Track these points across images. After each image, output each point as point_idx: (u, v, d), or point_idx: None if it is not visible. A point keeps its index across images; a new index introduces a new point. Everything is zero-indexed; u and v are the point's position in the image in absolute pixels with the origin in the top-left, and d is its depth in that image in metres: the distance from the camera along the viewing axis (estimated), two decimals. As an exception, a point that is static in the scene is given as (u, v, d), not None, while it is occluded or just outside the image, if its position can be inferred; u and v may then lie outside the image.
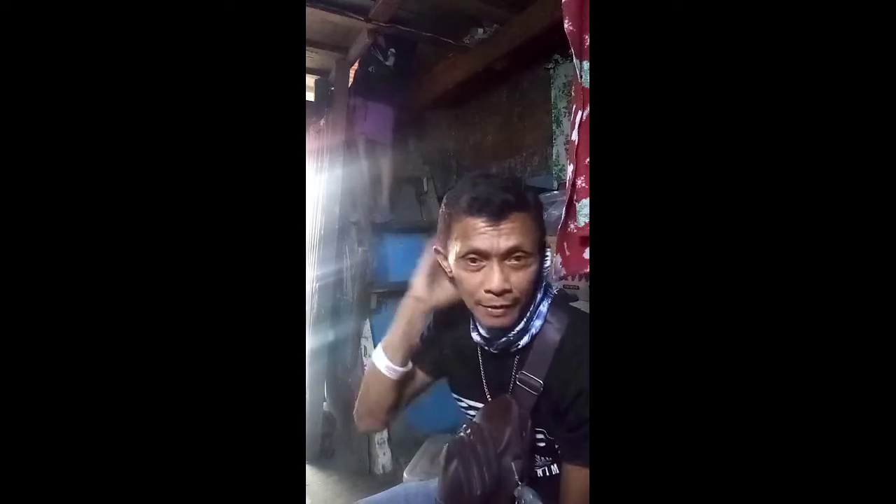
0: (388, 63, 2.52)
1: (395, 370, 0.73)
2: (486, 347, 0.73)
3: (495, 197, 0.63)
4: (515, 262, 0.64)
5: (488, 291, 0.64)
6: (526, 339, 0.69)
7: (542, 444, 0.71)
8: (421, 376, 0.81)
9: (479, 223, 0.63)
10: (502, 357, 0.72)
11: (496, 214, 0.62)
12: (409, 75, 2.72)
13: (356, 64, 2.65)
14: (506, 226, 0.63)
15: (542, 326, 0.69)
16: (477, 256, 0.64)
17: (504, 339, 0.69)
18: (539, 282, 0.69)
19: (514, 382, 0.70)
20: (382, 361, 0.74)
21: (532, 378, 0.68)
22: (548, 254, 0.69)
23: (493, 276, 0.63)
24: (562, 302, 0.73)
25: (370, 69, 2.56)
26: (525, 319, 0.68)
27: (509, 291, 0.64)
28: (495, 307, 0.65)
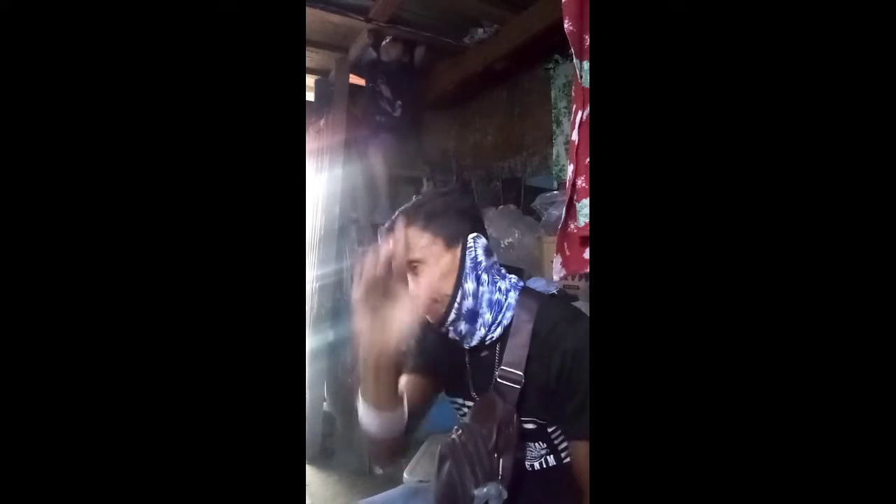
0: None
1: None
2: (464, 344, 0.75)
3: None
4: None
5: None
6: (499, 330, 0.73)
7: (533, 428, 0.72)
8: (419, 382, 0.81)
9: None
10: (483, 351, 0.75)
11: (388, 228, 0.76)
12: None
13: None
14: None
15: (512, 318, 0.73)
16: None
17: (468, 329, 0.72)
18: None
19: (495, 379, 0.72)
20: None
21: (511, 372, 0.70)
22: (470, 243, 0.73)
23: None
24: (530, 292, 0.76)
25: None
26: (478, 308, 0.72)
27: None
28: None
